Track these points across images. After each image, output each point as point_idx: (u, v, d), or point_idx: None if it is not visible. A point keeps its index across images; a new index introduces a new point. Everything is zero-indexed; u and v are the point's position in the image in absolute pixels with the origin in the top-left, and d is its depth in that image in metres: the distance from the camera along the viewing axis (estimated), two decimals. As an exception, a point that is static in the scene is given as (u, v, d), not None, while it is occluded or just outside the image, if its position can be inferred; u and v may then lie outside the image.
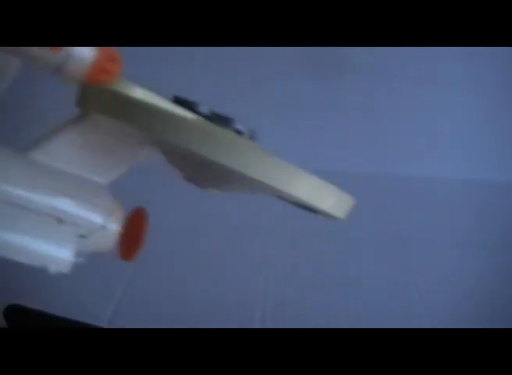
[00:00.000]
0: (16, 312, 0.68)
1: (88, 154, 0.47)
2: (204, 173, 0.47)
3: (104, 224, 0.46)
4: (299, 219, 0.92)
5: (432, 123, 1.05)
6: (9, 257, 0.41)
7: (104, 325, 0.75)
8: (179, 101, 0.44)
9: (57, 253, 0.44)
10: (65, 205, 0.45)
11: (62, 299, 0.76)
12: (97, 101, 0.43)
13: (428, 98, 1.05)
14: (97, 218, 0.46)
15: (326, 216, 0.43)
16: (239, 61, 1.00)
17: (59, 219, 0.44)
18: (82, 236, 0.45)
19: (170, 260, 0.85)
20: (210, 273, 0.84)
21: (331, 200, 0.42)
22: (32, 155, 0.45)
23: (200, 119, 0.43)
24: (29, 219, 0.43)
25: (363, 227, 0.87)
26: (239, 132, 0.44)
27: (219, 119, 0.44)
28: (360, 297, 0.84)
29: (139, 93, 0.43)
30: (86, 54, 0.39)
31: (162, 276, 0.83)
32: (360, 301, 0.83)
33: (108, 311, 0.79)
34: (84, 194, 0.46)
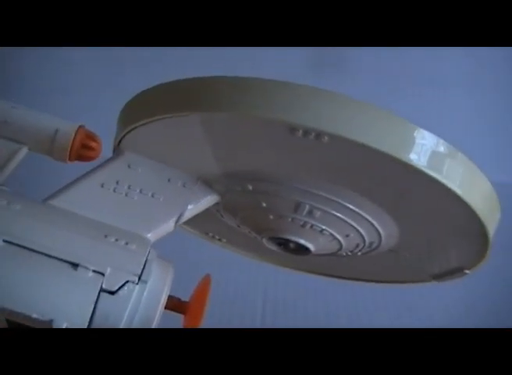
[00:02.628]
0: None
1: (122, 201, 0.38)
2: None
3: (144, 278, 0.36)
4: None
5: (431, 123, 1.05)
6: (11, 308, 0.34)
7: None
8: None
9: (66, 306, 0.35)
10: (81, 245, 0.36)
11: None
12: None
13: (428, 98, 1.05)
14: (128, 266, 0.36)
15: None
16: (239, 61, 1.00)
17: (74, 264, 0.35)
18: (107, 291, 0.35)
19: (170, 260, 0.85)
20: (209, 273, 0.84)
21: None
22: (51, 204, 0.38)
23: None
24: (37, 264, 0.35)
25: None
26: None
27: None
28: (360, 297, 0.84)
29: None
30: (68, 131, 0.40)
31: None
32: (361, 301, 0.83)
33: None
34: (112, 238, 0.37)
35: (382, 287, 0.86)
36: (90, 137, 0.43)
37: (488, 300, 0.84)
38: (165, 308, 0.38)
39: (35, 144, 0.42)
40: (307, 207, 0.36)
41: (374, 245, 0.39)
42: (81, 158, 0.43)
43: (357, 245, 0.39)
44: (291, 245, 0.39)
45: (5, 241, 0.35)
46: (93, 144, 0.42)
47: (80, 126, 0.43)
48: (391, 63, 1.04)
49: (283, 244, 0.40)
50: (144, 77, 0.91)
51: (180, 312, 0.40)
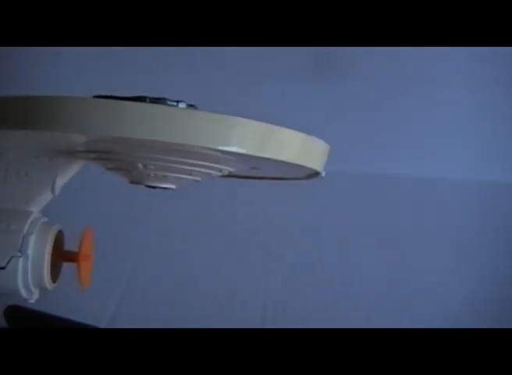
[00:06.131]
0: (15, 312, 0.67)
1: (4, 185, 0.45)
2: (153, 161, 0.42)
3: (24, 250, 0.43)
4: (299, 219, 0.91)
5: (431, 123, 1.05)
6: None
7: (104, 325, 0.74)
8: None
9: None
10: None
11: (61, 299, 0.76)
12: None
13: (428, 97, 1.05)
14: (10, 245, 0.43)
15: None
16: (239, 61, 1.00)
17: None
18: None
19: (170, 260, 0.85)
20: (210, 274, 0.84)
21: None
22: None
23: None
24: None
25: (363, 227, 0.87)
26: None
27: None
28: (360, 297, 0.84)
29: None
30: None
31: (162, 276, 0.83)
32: (360, 302, 0.83)
33: (108, 311, 0.79)
34: None
35: (381, 287, 0.86)
36: None
37: (489, 300, 0.84)
38: (58, 260, 0.45)
39: None
40: (150, 164, 0.42)
41: (224, 172, 0.45)
42: None
43: (209, 174, 0.45)
44: (157, 187, 0.46)
45: None
46: None
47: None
48: (390, 63, 1.04)
49: (151, 187, 0.47)
50: (143, 77, 0.92)
51: (73, 261, 0.46)
